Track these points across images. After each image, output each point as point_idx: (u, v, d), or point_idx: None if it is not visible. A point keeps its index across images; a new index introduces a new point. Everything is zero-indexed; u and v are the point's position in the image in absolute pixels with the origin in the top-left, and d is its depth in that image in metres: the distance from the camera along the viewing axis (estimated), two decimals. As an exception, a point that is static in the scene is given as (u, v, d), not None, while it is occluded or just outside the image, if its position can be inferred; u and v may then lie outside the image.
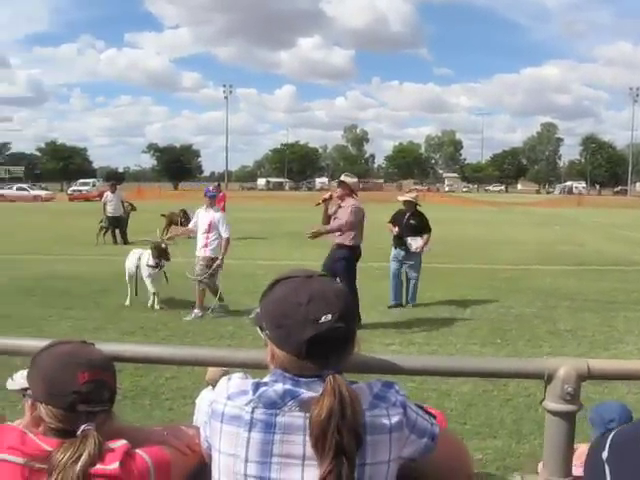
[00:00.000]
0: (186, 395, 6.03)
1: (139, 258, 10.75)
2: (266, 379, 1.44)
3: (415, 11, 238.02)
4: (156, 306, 10.36)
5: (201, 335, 8.67)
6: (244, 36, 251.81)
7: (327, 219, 9.21)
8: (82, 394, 1.53)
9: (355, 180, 9.33)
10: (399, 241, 10.86)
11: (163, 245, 10.78)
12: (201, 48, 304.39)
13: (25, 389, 1.66)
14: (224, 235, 10.22)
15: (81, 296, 11.13)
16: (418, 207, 11.13)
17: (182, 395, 6.19)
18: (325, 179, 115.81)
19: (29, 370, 1.62)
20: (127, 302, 10.64)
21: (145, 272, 10.59)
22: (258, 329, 1.52)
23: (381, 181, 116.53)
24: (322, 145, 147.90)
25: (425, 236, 10.79)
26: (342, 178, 9.28)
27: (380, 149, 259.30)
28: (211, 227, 10.23)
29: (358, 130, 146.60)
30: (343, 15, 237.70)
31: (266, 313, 1.48)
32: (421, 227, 10.83)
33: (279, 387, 1.39)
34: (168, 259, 10.73)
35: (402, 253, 10.81)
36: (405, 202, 11.14)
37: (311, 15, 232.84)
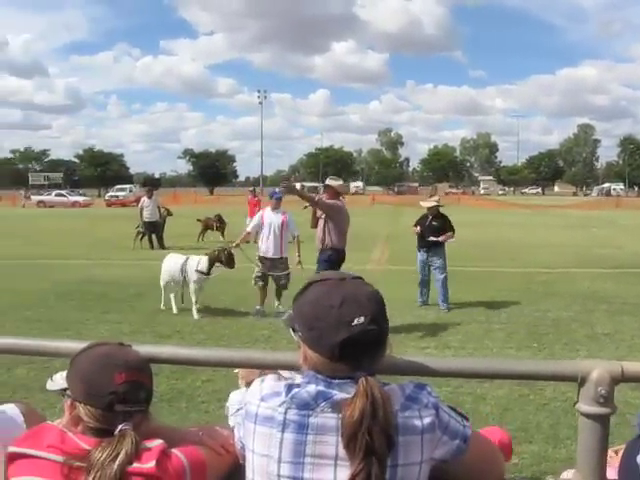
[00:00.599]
0: (221, 398, 6.05)
1: (185, 262, 10.46)
2: (298, 381, 1.45)
3: (449, 13, 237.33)
4: (195, 316, 10.01)
5: (236, 338, 8.72)
6: (278, 41, 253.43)
7: (315, 222, 9.32)
8: (119, 394, 1.56)
9: (340, 183, 9.47)
10: (422, 242, 11.00)
11: (226, 252, 10.50)
12: (235, 54, 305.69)
13: (64, 389, 1.70)
14: (295, 233, 10.54)
15: (118, 300, 11.26)
16: (440, 209, 11.27)
17: (217, 398, 6.22)
18: (360, 183, 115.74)
19: (68, 371, 1.66)
20: (162, 306, 10.62)
21: (194, 277, 10.29)
22: (291, 331, 1.53)
23: (416, 184, 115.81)
24: (356, 149, 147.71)
25: (448, 234, 10.92)
26: (327, 182, 9.40)
27: (415, 152, 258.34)
28: (284, 227, 10.38)
29: (393, 133, 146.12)
30: (377, 19, 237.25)
31: (299, 315, 1.49)
32: (443, 228, 10.92)
33: (312, 388, 1.40)
34: (233, 266, 10.55)
35: (425, 255, 10.95)
36: (429, 209, 11.21)
37: (344, 19, 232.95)
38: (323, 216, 9.08)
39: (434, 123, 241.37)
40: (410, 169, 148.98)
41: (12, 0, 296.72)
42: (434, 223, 10.90)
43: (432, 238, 10.80)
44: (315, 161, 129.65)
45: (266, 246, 10.42)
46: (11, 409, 2.29)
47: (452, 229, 11.01)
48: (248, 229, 11.19)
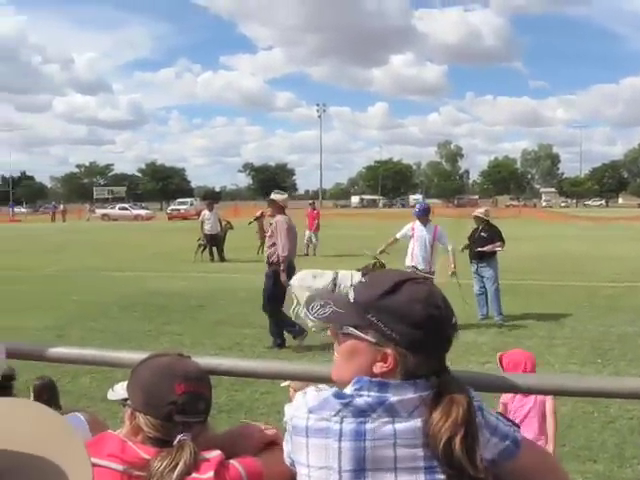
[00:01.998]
0: (280, 410, 6.05)
1: (336, 277, 10.06)
2: (349, 388, 1.41)
3: (508, 24, 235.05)
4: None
5: (297, 350, 8.74)
6: (336, 55, 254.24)
7: (262, 236, 9.54)
8: (178, 405, 1.58)
9: (284, 197, 9.59)
10: (472, 254, 11.04)
11: (378, 264, 10.24)
12: (294, 68, 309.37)
13: (125, 399, 1.73)
14: (449, 246, 10.51)
15: (179, 312, 11.41)
16: (489, 221, 11.30)
17: (277, 410, 6.23)
18: (419, 196, 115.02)
19: (129, 381, 1.69)
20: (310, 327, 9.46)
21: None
22: (374, 332, 1.42)
23: (476, 197, 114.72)
24: (416, 162, 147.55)
25: (496, 244, 10.88)
26: (272, 196, 9.49)
27: (475, 165, 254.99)
28: (435, 241, 10.38)
29: (452, 146, 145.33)
30: (435, 31, 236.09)
31: (406, 315, 1.40)
32: (491, 238, 10.88)
33: (365, 394, 1.38)
34: None
35: (476, 266, 10.96)
36: (475, 218, 11.37)
37: (403, 32, 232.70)
38: (269, 233, 9.28)
39: (494, 135, 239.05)
40: (470, 181, 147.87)
41: (78, 19, 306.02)
42: (482, 234, 10.93)
43: (479, 249, 10.84)
44: (374, 174, 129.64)
45: (416, 261, 10.31)
46: (78, 417, 2.35)
47: (501, 239, 10.96)
48: (397, 236, 10.90)
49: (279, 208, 9.32)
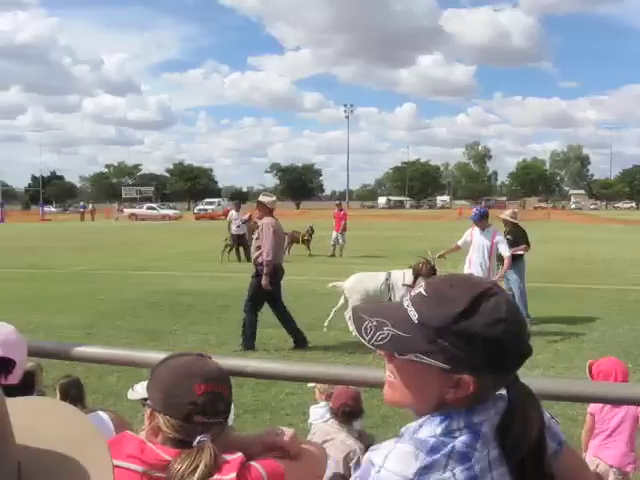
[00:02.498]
0: (306, 411, 6.04)
1: (389, 278, 9.70)
2: (433, 427, 1.25)
3: (538, 24, 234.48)
4: None
5: (323, 352, 8.73)
6: (364, 55, 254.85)
7: (251, 238, 9.46)
8: (198, 405, 1.56)
9: (272, 199, 9.45)
10: (498, 258, 10.76)
11: (429, 265, 9.83)
12: (321, 69, 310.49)
13: (145, 399, 1.71)
14: (506, 254, 9.92)
15: (205, 311, 11.45)
16: (517, 223, 11.21)
17: (302, 411, 6.22)
18: (446, 197, 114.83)
19: (149, 381, 1.68)
20: (326, 324, 10.01)
21: (401, 292, 9.37)
22: (445, 357, 1.25)
23: (504, 199, 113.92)
24: (443, 163, 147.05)
25: (521, 247, 10.83)
26: (259, 198, 9.44)
27: (503, 166, 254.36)
28: (493, 249, 10.00)
29: (480, 147, 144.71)
30: (464, 31, 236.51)
31: (487, 338, 1.23)
32: (516, 241, 10.80)
33: (458, 433, 1.24)
34: None
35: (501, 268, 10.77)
36: (502, 220, 11.31)
37: (431, 32, 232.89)
38: (255, 235, 9.29)
39: (523, 136, 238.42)
40: (498, 183, 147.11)
41: (108, 21, 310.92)
42: (508, 237, 10.76)
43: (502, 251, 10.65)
44: (401, 175, 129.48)
45: (474, 269, 9.86)
46: (100, 416, 2.35)
47: (526, 242, 10.92)
48: (458, 243, 10.61)
49: (267, 210, 9.23)
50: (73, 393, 4.30)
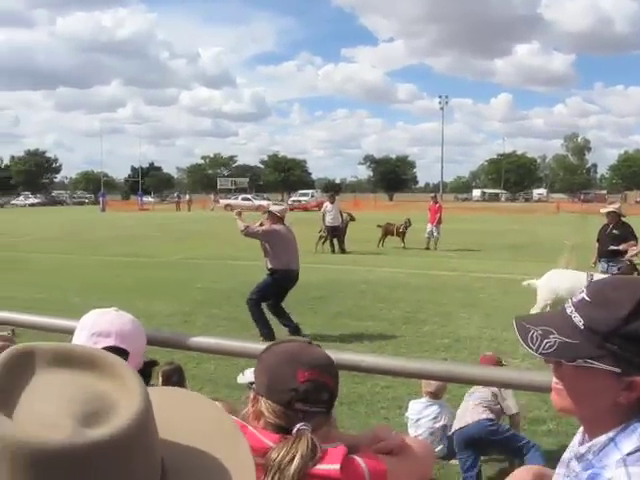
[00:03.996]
0: (402, 405, 6.02)
1: (592, 280, 8.56)
2: (630, 441, 1.23)
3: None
4: None
5: (418, 346, 8.64)
6: (458, 45, 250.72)
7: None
8: (300, 392, 1.53)
9: (281, 208, 9.92)
10: (602, 252, 10.61)
11: None
12: (415, 60, 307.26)
13: (251, 383, 1.71)
14: None
15: (300, 302, 11.48)
16: (622, 218, 10.74)
17: (397, 405, 6.19)
18: (543, 190, 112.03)
19: (256, 365, 1.67)
20: None
21: None
22: (614, 360, 1.24)
23: (604, 192, 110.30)
24: (540, 155, 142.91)
25: (630, 242, 10.36)
26: (270, 208, 9.82)
27: (603, 158, 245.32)
28: None
29: (579, 139, 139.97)
30: (563, 18, 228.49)
31: None
32: (624, 236, 10.40)
33: None
34: None
35: (606, 265, 10.50)
36: (608, 214, 10.81)
37: (528, 20, 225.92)
38: (263, 241, 9.48)
39: (625, 127, 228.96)
40: (598, 176, 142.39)
41: (205, 15, 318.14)
42: (614, 231, 10.46)
43: (612, 247, 10.34)
44: (497, 167, 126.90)
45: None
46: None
47: (635, 238, 10.47)
48: None
49: (277, 219, 9.49)
50: (175, 379, 4.39)
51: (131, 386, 0.84)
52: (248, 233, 9.41)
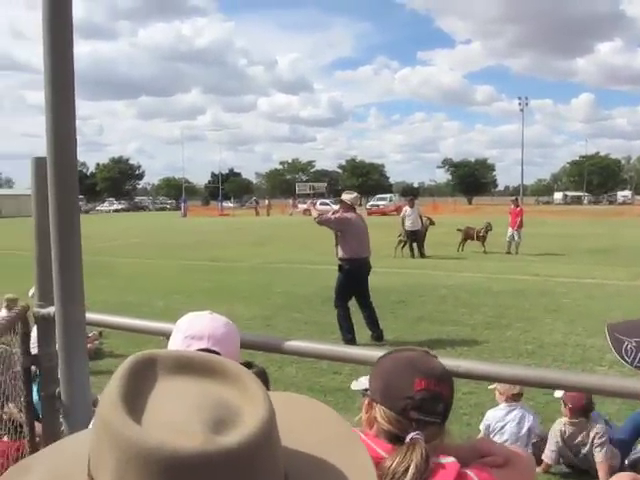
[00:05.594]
0: (483, 412, 5.94)
1: None
2: None
3: None
4: None
5: (500, 352, 8.51)
6: (537, 45, 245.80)
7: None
8: (415, 401, 1.53)
9: (353, 196, 9.77)
10: None
11: None
12: (493, 61, 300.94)
13: (366, 390, 1.73)
14: None
15: (380, 307, 11.41)
16: None
17: (480, 412, 6.11)
18: (628, 192, 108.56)
19: (372, 371, 1.68)
20: None
21: None
22: None
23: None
24: (625, 156, 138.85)
25: None
26: (342, 197, 9.91)
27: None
28: None
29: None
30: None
31: None
32: None
33: None
34: None
35: None
36: None
37: (610, 18, 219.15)
38: (334, 230, 9.60)
39: None
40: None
41: (282, 23, 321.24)
42: None
43: None
44: (579, 169, 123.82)
45: None
46: None
47: None
48: None
49: (349, 208, 9.57)
50: (259, 382, 4.45)
51: (254, 393, 0.84)
52: (321, 221, 9.54)
